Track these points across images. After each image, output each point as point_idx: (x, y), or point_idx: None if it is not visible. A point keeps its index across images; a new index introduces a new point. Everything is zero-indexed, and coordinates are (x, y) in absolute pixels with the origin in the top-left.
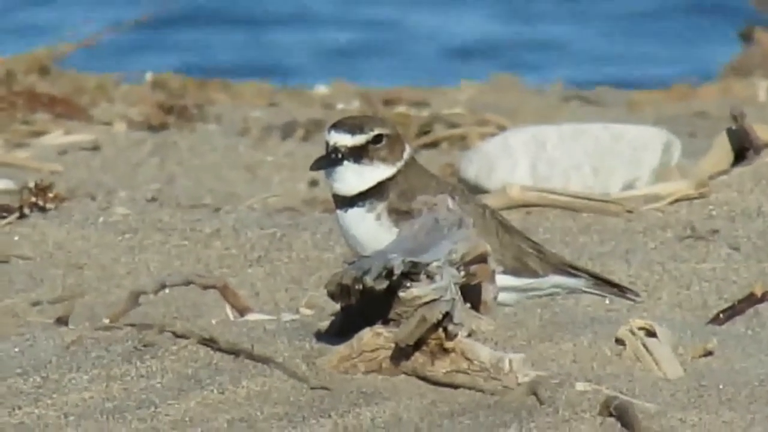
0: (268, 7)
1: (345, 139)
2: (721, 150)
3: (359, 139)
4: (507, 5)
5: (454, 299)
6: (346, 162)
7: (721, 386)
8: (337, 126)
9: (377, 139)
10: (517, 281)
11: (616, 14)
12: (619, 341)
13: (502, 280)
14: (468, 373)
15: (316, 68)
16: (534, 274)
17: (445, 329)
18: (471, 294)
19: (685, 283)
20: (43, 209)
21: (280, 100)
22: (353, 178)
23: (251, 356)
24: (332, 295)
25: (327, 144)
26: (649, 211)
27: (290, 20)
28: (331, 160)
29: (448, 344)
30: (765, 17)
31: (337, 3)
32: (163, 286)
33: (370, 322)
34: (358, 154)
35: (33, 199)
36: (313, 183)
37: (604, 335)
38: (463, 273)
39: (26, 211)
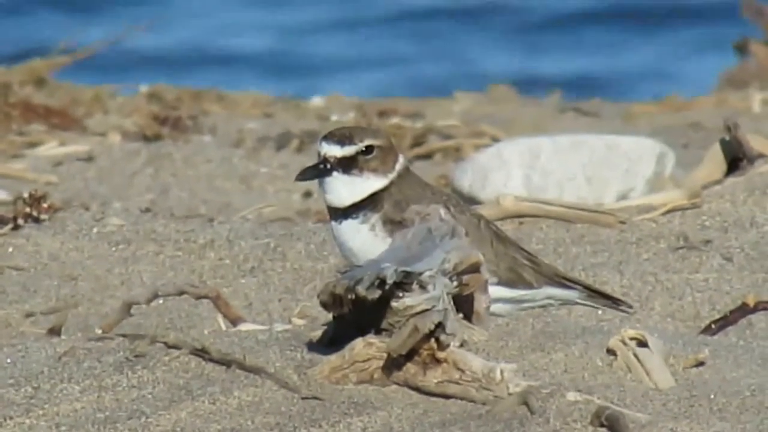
0: None
1: (335, 150)
2: (715, 160)
3: (349, 150)
4: None
5: (446, 309)
6: (335, 173)
7: (712, 396)
8: (328, 137)
9: (368, 150)
10: (511, 292)
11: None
12: (611, 351)
13: (496, 291)
14: (460, 383)
15: None
16: (528, 286)
17: (437, 339)
18: (463, 304)
19: (677, 293)
20: (37, 220)
21: (275, 111)
22: (344, 189)
23: (243, 366)
24: (325, 305)
25: (318, 155)
26: (642, 222)
27: None
28: (318, 170)
29: (440, 354)
30: (759, 30)
31: None
32: (156, 296)
33: (363, 332)
34: (347, 165)
35: (27, 210)
36: (307, 194)
37: (595, 345)
38: (455, 283)
39: (20, 221)
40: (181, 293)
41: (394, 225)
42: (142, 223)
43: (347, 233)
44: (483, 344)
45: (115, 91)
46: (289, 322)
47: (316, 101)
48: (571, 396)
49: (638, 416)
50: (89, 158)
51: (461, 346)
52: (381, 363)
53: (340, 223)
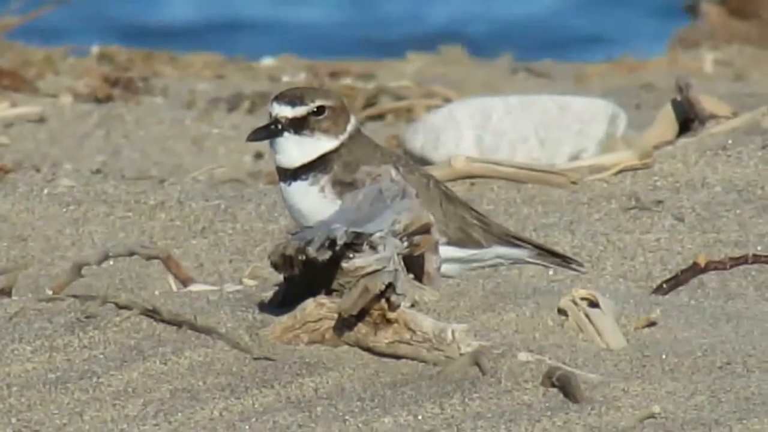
0: None
1: (286, 111)
2: (666, 121)
3: (300, 111)
4: None
5: (397, 270)
6: (286, 133)
7: (664, 356)
8: (279, 97)
9: (319, 110)
10: (460, 252)
11: None
12: (562, 311)
13: (445, 251)
14: (411, 344)
15: None
16: (478, 245)
17: (387, 300)
18: (414, 265)
19: (629, 253)
20: None
21: (226, 73)
22: (295, 149)
23: (194, 327)
24: (275, 266)
25: (270, 115)
26: (593, 182)
27: None
28: (269, 131)
29: (391, 315)
30: None
31: None
32: (107, 257)
33: (314, 293)
34: (299, 125)
35: None
36: (258, 155)
37: (546, 306)
38: (406, 243)
39: None
40: (131, 254)
41: (343, 186)
42: (93, 185)
43: (296, 195)
44: (434, 305)
45: (67, 52)
46: (240, 282)
47: (268, 62)
48: (523, 356)
49: (590, 376)
50: (40, 120)
51: (412, 306)
52: (332, 323)
53: (290, 184)
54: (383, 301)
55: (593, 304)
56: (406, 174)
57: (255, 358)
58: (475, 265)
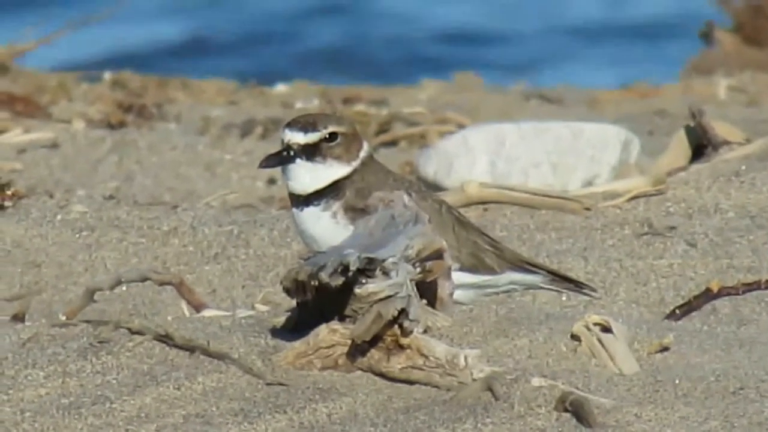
0: None
1: (298, 137)
2: (680, 147)
3: (312, 137)
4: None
5: (409, 295)
6: (298, 160)
7: (677, 381)
8: (292, 124)
9: (332, 137)
10: (473, 278)
11: None
12: (575, 337)
13: (458, 277)
14: (424, 369)
15: None
16: (491, 271)
17: (400, 325)
18: (427, 290)
19: (642, 279)
20: (1, 207)
21: (239, 99)
22: (307, 176)
23: (207, 352)
24: (288, 291)
25: (282, 142)
26: (606, 208)
27: None
28: (281, 157)
29: (404, 340)
30: (724, 17)
31: None
32: (120, 283)
33: (326, 319)
34: (311, 152)
35: None
36: (271, 181)
37: (559, 331)
38: (418, 269)
39: None
40: (144, 279)
41: (355, 212)
42: (106, 210)
43: (308, 221)
44: (447, 330)
45: (80, 78)
46: (253, 308)
47: (281, 88)
48: (536, 381)
49: (603, 401)
50: (54, 145)
51: (425, 332)
52: (345, 349)
53: (302, 210)
54: (396, 326)
55: (606, 329)
56: (418, 200)
57: (268, 384)
58: (488, 290)
